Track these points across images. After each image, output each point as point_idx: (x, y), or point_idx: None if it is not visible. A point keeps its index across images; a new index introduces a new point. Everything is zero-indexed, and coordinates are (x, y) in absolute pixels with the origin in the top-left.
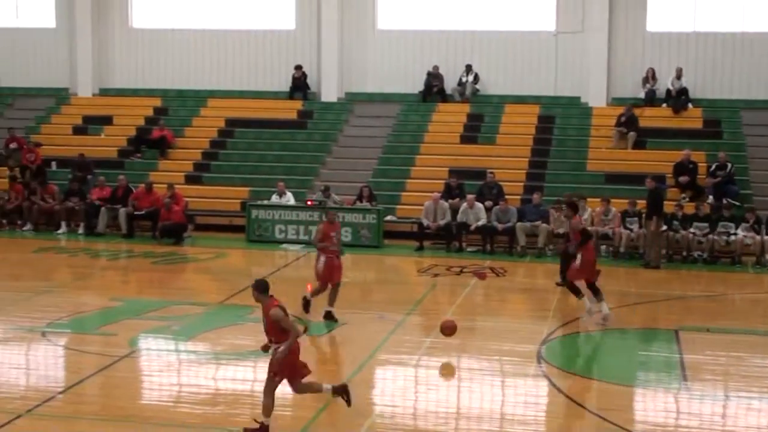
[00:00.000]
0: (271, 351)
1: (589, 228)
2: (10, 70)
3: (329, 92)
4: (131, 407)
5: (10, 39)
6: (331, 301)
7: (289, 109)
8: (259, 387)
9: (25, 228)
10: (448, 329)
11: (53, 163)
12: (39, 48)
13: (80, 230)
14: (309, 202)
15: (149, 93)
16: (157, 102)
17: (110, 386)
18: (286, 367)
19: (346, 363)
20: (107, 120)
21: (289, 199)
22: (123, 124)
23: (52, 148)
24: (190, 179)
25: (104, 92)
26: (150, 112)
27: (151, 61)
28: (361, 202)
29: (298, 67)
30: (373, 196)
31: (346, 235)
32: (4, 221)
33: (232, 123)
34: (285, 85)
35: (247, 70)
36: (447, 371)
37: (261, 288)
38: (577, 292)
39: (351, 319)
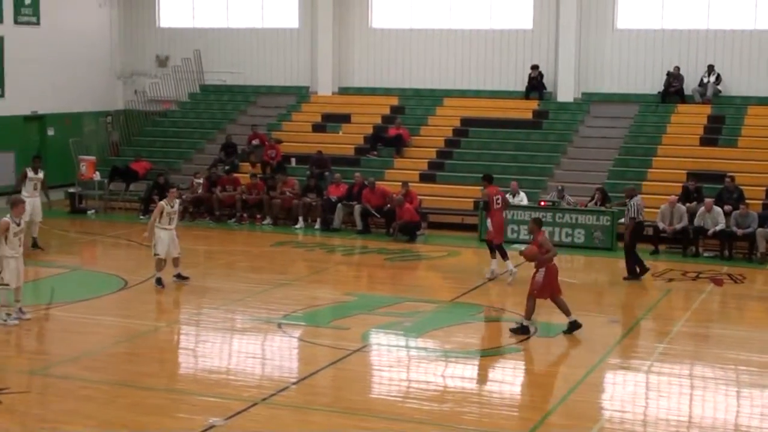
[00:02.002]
0: None
1: None
2: (254, 69)
3: (565, 92)
4: (361, 401)
5: (255, 39)
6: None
7: (525, 109)
8: (488, 387)
9: (264, 222)
10: (529, 255)
11: (293, 160)
12: (282, 47)
13: (317, 225)
14: (542, 203)
15: (387, 92)
16: (394, 101)
17: (342, 379)
18: None
19: (576, 366)
20: (345, 118)
21: (522, 199)
22: (360, 122)
23: (292, 144)
24: (425, 177)
25: (343, 91)
26: (387, 111)
27: (389, 60)
28: (595, 204)
29: (535, 67)
30: (607, 198)
31: (579, 236)
32: (245, 215)
33: (467, 122)
34: (521, 84)
35: (484, 69)
36: None
37: None
38: (503, 255)
39: (582, 321)
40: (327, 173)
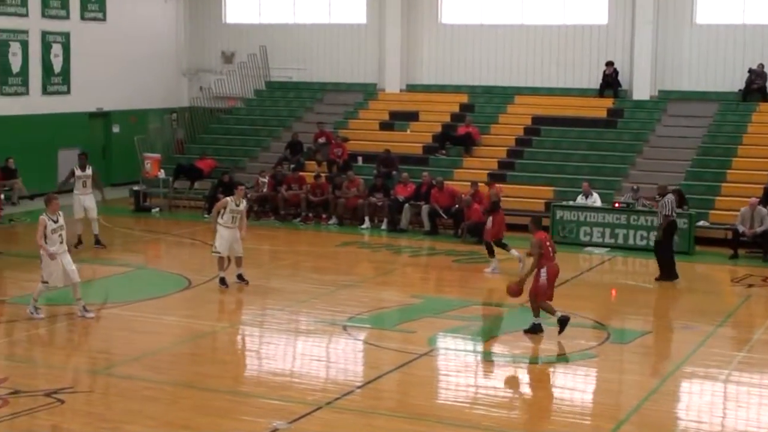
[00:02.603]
0: None
1: None
2: (321, 66)
3: (641, 90)
4: (427, 406)
5: (322, 35)
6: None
7: (599, 107)
8: (559, 393)
9: (330, 222)
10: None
11: (359, 158)
12: (349, 44)
13: (383, 226)
14: (616, 204)
15: (456, 89)
16: (464, 98)
17: (408, 384)
18: None
19: (650, 373)
20: (413, 116)
21: (596, 200)
22: (429, 120)
23: (359, 143)
24: (495, 177)
25: (411, 88)
26: (456, 109)
27: (459, 56)
28: None
29: (610, 64)
30: (684, 200)
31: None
32: (310, 215)
33: (538, 120)
34: (595, 82)
35: (556, 66)
36: None
37: None
38: (496, 249)
39: (657, 327)
40: (394, 172)
